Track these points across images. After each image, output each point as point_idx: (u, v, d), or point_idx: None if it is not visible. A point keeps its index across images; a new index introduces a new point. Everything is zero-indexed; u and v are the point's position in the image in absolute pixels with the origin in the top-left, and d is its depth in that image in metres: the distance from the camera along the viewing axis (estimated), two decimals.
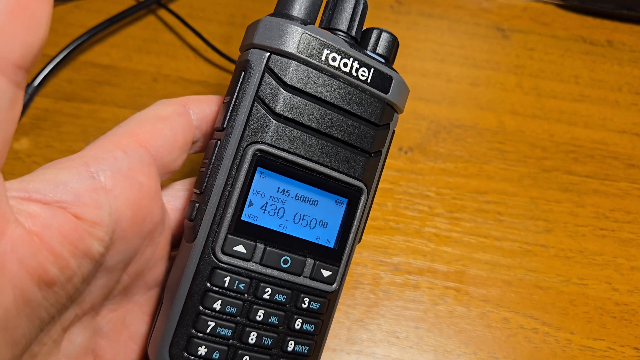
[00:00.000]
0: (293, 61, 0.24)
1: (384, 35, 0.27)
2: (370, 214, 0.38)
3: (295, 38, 0.23)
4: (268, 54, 0.24)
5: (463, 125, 0.43)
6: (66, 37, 0.42)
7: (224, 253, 0.23)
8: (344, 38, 0.25)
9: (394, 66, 0.27)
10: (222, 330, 0.23)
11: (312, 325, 0.25)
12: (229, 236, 0.23)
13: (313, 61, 0.24)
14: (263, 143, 0.23)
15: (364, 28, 0.27)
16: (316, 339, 0.26)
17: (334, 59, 0.24)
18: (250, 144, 0.23)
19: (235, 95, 0.24)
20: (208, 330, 0.23)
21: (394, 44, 0.27)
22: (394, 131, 0.27)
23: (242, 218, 0.24)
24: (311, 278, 0.25)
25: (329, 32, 0.25)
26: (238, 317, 0.24)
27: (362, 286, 0.37)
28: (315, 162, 0.25)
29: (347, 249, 0.26)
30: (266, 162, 0.24)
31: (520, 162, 0.42)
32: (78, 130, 0.40)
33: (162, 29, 0.45)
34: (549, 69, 0.46)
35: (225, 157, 0.23)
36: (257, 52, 0.24)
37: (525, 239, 0.39)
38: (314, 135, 0.24)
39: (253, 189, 0.24)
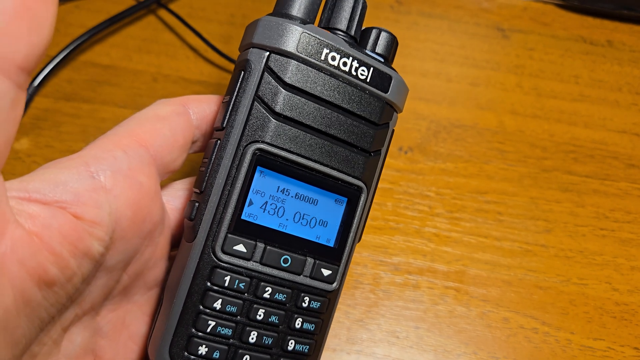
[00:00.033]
0: (292, 60, 0.24)
1: (383, 35, 0.27)
2: (370, 214, 0.38)
3: (294, 37, 0.23)
4: (267, 53, 0.24)
5: (463, 125, 0.43)
6: (66, 37, 0.42)
7: (224, 252, 0.23)
8: (344, 37, 0.25)
9: (393, 65, 0.27)
10: (223, 330, 0.23)
11: (313, 325, 0.25)
12: (229, 235, 0.23)
13: (312, 60, 0.24)
14: (263, 142, 0.23)
15: (363, 27, 0.27)
16: (316, 338, 0.26)
17: (333, 58, 0.24)
18: (250, 143, 0.23)
19: (235, 94, 0.24)
20: (208, 330, 0.23)
21: (393, 43, 0.27)
22: (393, 130, 0.27)
23: (242, 217, 0.24)
24: (311, 277, 0.25)
25: (328, 32, 0.25)
26: (238, 317, 0.24)
27: (362, 286, 0.37)
28: (315, 161, 0.25)
29: (347, 248, 0.26)
30: (266, 161, 0.24)
31: (520, 162, 0.42)
32: (78, 130, 0.40)
33: (162, 29, 0.45)
34: (549, 69, 0.46)
35: (225, 157, 0.23)
36: (257, 52, 0.24)
37: (525, 239, 0.39)
38: (313, 134, 0.24)
39: (253, 188, 0.24)
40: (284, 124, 0.24)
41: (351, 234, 0.26)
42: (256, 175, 0.24)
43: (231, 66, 0.43)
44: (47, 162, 0.21)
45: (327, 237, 0.26)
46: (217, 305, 0.23)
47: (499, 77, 0.45)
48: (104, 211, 0.20)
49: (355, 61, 0.25)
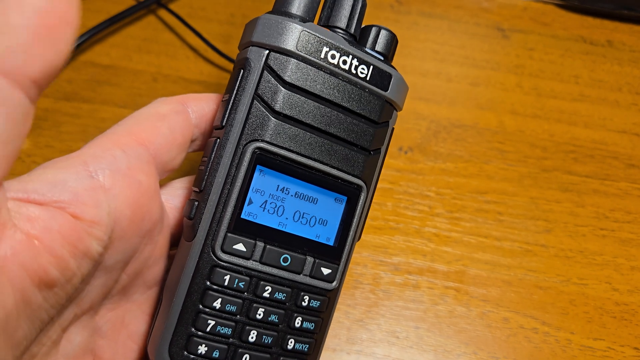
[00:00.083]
0: (292, 59, 0.23)
1: (383, 33, 0.27)
2: (370, 214, 0.38)
3: (294, 35, 0.23)
4: (267, 51, 0.23)
5: (463, 125, 0.43)
6: None
7: (223, 251, 0.23)
8: (343, 35, 0.25)
9: (393, 63, 0.27)
10: (222, 329, 0.23)
11: (312, 324, 0.25)
12: (229, 234, 0.23)
13: (312, 59, 0.24)
14: (262, 141, 0.23)
15: (363, 25, 0.27)
16: (316, 337, 0.26)
17: (333, 57, 0.24)
18: (249, 142, 0.23)
19: (235, 93, 0.24)
20: (208, 329, 0.23)
21: (393, 41, 0.27)
22: (393, 128, 0.27)
23: (242, 216, 0.24)
24: (311, 276, 0.25)
25: (328, 30, 0.25)
26: (238, 316, 0.24)
27: (362, 286, 0.37)
28: (315, 159, 0.24)
29: (346, 247, 0.26)
30: (265, 160, 0.24)
31: (520, 162, 0.42)
32: (78, 130, 0.40)
33: (162, 29, 0.45)
34: (549, 69, 0.46)
35: (225, 155, 0.23)
36: (256, 50, 0.24)
37: (526, 239, 0.39)
38: (313, 133, 0.24)
39: (252, 187, 0.24)
40: (283, 123, 0.24)
41: (351, 233, 0.26)
42: (256, 174, 0.24)
43: (231, 66, 0.43)
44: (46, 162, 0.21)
45: (326, 235, 0.26)
46: (217, 304, 0.23)
47: (499, 77, 0.45)
48: (103, 211, 0.20)
49: (355, 59, 0.25)
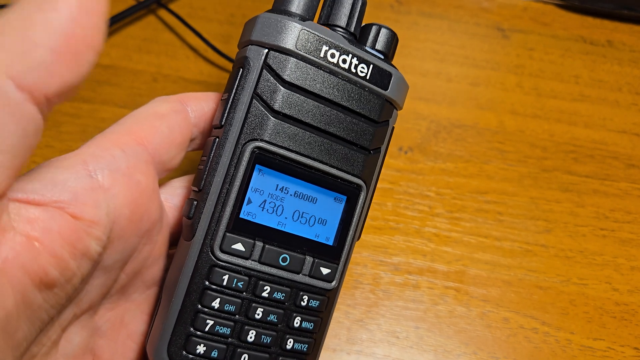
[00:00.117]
0: (291, 58, 0.23)
1: (383, 31, 0.26)
2: (370, 214, 0.38)
3: (293, 34, 0.23)
4: (266, 50, 0.23)
5: (463, 125, 0.43)
6: None
7: (222, 251, 0.23)
8: (343, 34, 0.25)
9: (393, 62, 0.27)
10: (221, 329, 0.23)
11: (312, 323, 0.25)
12: (228, 234, 0.23)
13: (311, 58, 0.24)
14: (261, 140, 0.23)
15: (363, 24, 0.27)
16: (315, 337, 0.26)
17: (332, 56, 0.24)
18: (248, 141, 0.23)
19: (234, 92, 0.24)
20: (207, 329, 0.23)
21: (393, 39, 0.27)
22: (393, 128, 0.27)
23: (241, 216, 0.24)
24: (310, 276, 0.25)
25: (328, 29, 0.25)
26: (237, 316, 0.24)
27: (362, 286, 0.37)
28: (314, 159, 0.24)
29: (346, 247, 0.26)
30: (265, 159, 0.24)
31: (520, 162, 0.42)
32: (78, 129, 0.40)
33: (162, 29, 0.45)
34: (549, 69, 0.46)
35: (224, 155, 0.23)
36: (255, 49, 0.24)
37: (526, 239, 0.39)
38: (312, 132, 0.24)
39: (251, 186, 0.24)
40: (282, 122, 0.24)
41: (350, 233, 0.26)
42: (255, 173, 0.24)
43: (231, 66, 0.43)
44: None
45: (326, 235, 0.26)
46: (216, 304, 0.23)
47: (499, 77, 0.45)
48: (102, 210, 0.20)
49: (355, 58, 0.25)
